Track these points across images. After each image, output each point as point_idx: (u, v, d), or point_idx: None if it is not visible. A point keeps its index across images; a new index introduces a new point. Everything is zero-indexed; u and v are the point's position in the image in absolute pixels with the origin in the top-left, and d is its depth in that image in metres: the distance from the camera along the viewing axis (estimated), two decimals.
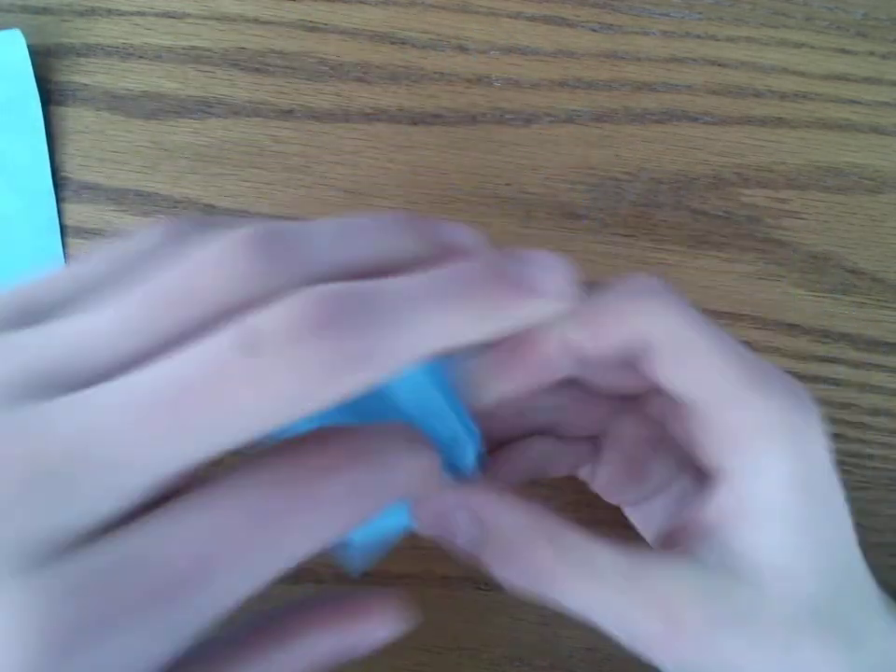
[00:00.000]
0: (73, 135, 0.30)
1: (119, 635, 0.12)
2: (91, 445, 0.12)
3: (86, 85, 0.30)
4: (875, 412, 0.29)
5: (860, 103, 0.29)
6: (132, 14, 0.30)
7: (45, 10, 0.30)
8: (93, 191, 0.30)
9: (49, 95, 0.30)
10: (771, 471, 0.18)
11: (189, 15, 0.30)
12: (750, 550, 0.18)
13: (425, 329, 0.13)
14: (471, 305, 0.14)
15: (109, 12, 0.30)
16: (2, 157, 0.29)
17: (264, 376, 0.12)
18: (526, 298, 0.14)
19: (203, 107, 0.30)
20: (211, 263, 0.13)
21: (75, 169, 0.30)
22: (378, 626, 0.18)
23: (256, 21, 0.30)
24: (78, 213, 0.30)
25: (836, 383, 0.29)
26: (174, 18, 0.30)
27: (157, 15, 0.30)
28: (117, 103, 0.30)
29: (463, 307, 0.14)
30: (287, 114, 0.30)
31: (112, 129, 0.30)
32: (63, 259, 0.29)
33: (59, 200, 0.30)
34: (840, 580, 0.18)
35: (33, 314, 0.14)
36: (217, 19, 0.30)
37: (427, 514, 0.18)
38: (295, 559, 0.13)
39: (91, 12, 0.30)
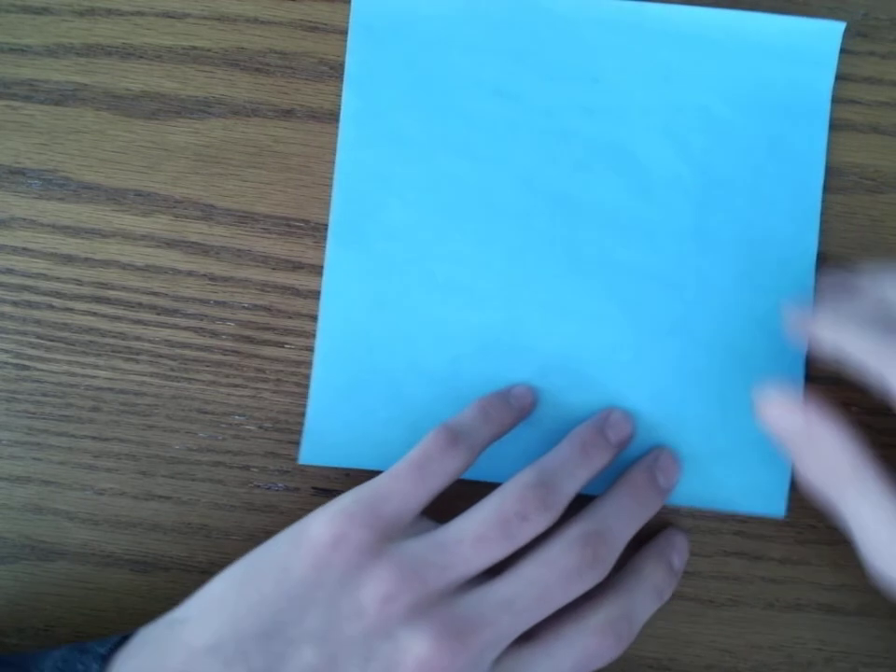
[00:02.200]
0: (73, 135, 0.30)
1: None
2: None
3: (86, 85, 0.30)
4: (875, 411, 0.29)
5: (860, 103, 0.29)
6: (132, 14, 0.30)
7: (45, 10, 0.30)
8: (93, 191, 0.30)
9: (49, 95, 0.30)
10: None
11: (188, 15, 0.30)
12: None
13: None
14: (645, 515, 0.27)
15: (109, 12, 0.30)
16: (779, 140, 0.29)
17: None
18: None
19: (202, 107, 0.30)
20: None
21: (75, 169, 0.30)
22: None
23: (256, 20, 0.30)
24: (78, 213, 0.30)
25: (836, 382, 0.29)
26: (173, 18, 0.30)
27: (157, 15, 0.30)
28: (117, 103, 0.30)
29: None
30: (287, 114, 0.30)
31: (112, 129, 0.30)
32: (814, 253, 0.29)
33: (58, 200, 0.30)
34: None
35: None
36: (217, 19, 0.30)
37: (772, 411, 0.25)
38: None
39: (90, 12, 0.30)
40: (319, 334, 0.29)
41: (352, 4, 0.29)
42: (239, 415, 0.29)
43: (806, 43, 0.29)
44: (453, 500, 0.25)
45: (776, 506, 0.28)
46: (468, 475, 0.26)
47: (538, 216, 0.29)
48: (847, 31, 0.29)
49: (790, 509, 0.29)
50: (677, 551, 0.27)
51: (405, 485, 0.24)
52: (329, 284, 0.29)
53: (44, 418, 0.30)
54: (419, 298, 0.29)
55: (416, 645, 0.21)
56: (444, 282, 0.29)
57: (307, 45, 0.30)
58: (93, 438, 0.30)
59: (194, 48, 0.30)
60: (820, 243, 0.29)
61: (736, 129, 0.29)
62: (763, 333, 0.29)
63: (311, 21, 0.30)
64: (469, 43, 0.29)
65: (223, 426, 0.30)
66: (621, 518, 0.25)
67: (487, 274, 0.29)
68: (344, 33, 0.30)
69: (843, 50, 0.29)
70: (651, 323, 0.29)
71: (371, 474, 0.26)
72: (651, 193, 0.29)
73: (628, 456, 0.28)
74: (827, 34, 0.29)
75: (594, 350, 0.29)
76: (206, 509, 0.30)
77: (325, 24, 0.30)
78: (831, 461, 0.24)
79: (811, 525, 0.29)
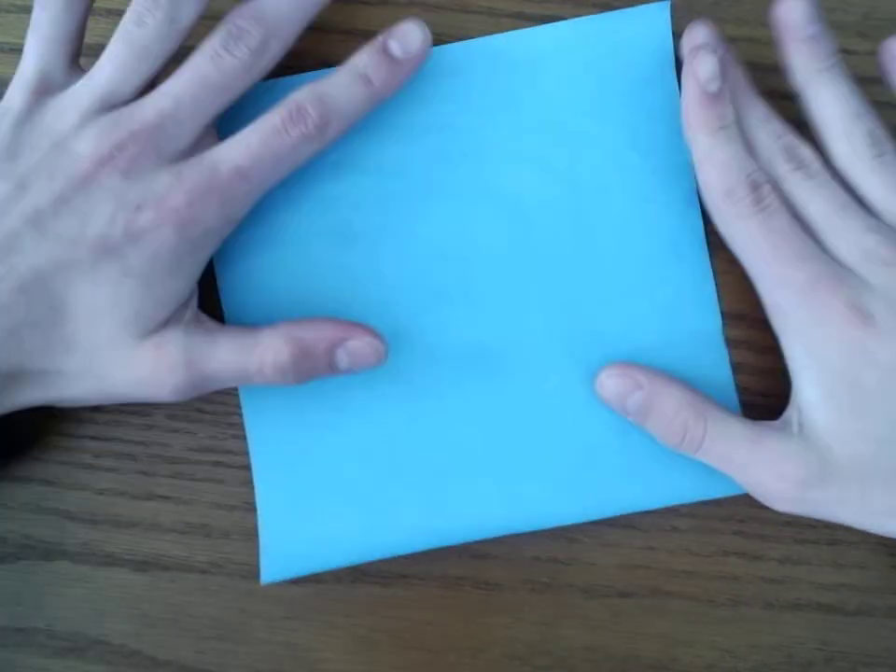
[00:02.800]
0: None
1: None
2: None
3: None
4: None
5: None
6: None
7: None
8: None
9: None
10: (809, 370, 0.25)
11: None
12: (815, 427, 0.25)
13: None
14: None
15: (109, 12, 0.30)
16: (638, 133, 0.29)
17: None
18: None
19: None
20: None
21: None
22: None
23: None
24: None
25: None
26: None
27: None
28: None
29: None
30: None
31: None
32: (701, 230, 0.29)
33: None
34: (888, 445, 0.24)
35: None
36: (218, 19, 0.30)
37: (608, 379, 0.27)
38: None
39: (91, 12, 0.30)
40: (253, 457, 0.29)
41: None
42: (239, 415, 0.29)
43: (638, 32, 0.29)
44: None
45: (732, 484, 0.28)
46: (393, 551, 0.28)
47: (428, 275, 0.29)
48: (846, 31, 0.29)
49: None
50: (395, 36, 0.27)
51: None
52: (251, 419, 0.29)
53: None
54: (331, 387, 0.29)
55: (83, 144, 0.24)
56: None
57: (308, 45, 0.30)
58: (93, 438, 0.30)
59: (194, 48, 0.30)
60: None
61: (594, 135, 0.29)
62: (674, 325, 0.29)
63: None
64: None
65: (223, 425, 0.30)
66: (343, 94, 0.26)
67: (392, 345, 0.28)
68: (348, 33, 0.30)
69: (844, 51, 0.29)
70: (565, 347, 0.29)
71: (339, 574, 0.27)
72: (529, 222, 0.29)
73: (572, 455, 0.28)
74: (655, 17, 0.29)
75: (519, 391, 0.29)
76: (206, 509, 0.30)
77: (326, 24, 0.30)
78: (677, 415, 0.26)
79: (811, 525, 0.29)
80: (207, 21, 0.30)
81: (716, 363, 0.29)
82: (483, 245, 0.29)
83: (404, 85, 0.27)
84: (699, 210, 0.29)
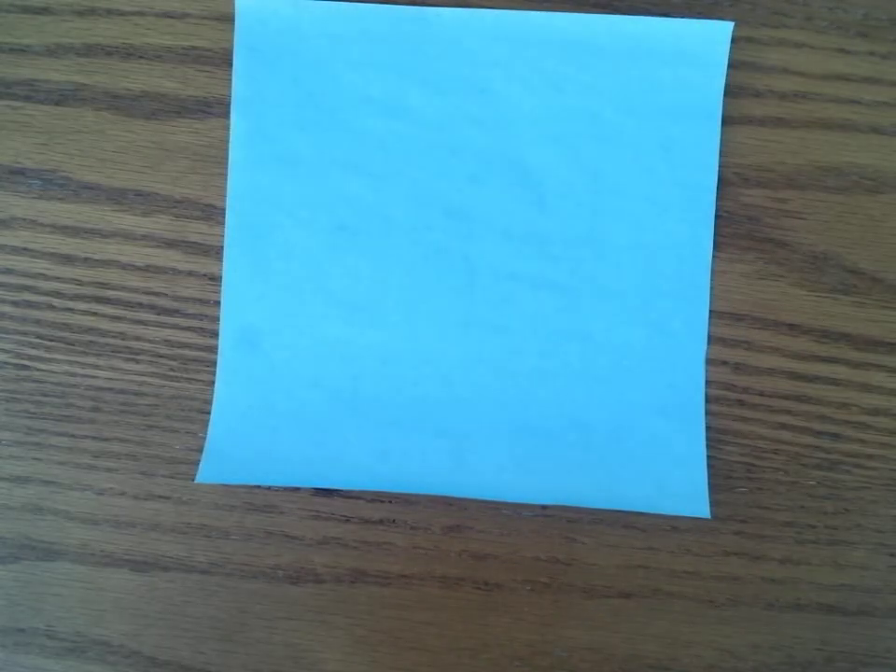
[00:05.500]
0: (73, 135, 0.30)
1: None
2: None
3: (86, 85, 0.30)
4: (875, 412, 0.29)
5: (860, 103, 0.29)
6: (132, 14, 0.30)
7: (45, 10, 0.30)
8: (93, 191, 0.30)
9: (49, 95, 0.30)
10: None
11: (189, 15, 0.30)
12: None
13: None
14: None
15: (109, 12, 0.30)
16: (671, 142, 0.29)
17: None
18: None
19: (202, 107, 0.30)
20: None
21: (75, 169, 0.30)
22: None
23: None
24: (78, 213, 0.30)
25: (836, 383, 0.29)
26: (174, 18, 0.30)
27: (157, 15, 0.30)
28: (117, 103, 0.30)
29: None
30: None
31: (112, 129, 0.30)
32: (709, 254, 0.29)
33: (58, 200, 0.30)
34: None
35: None
36: (217, 19, 0.30)
37: None
38: None
39: (90, 12, 0.30)
40: (220, 354, 0.29)
41: (236, 25, 0.29)
42: None
43: (695, 45, 0.29)
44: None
45: (698, 507, 0.28)
46: (329, 483, 0.28)
47: (432, 230, 0.29)
48: (846, 31, 0.29)
49: (787, 509, 0.29)
50: None
51: None
52: (228, 305, 0.29)
53: (44, 418, 0.30)
54: (318, 316, 0.29)
55: None
56: (343, 299, 0.29)
57: None
58: (93, 438, 0.30)
59: (194, 48, 0.30)
60: (821, 243, 0.29)
61: (627, 134, 0.29)
62: (662, 335, 0.29)
63: None
64: (355, 60, 0.29)
65: None
66: None
67: (385, 290, 0.29)
68: None
69: (844, 51, 0.29)
70: (550, 331, 0.29)
71: (276, 491, 0.26)
72: (543, 202, 0.29)
73: (553, 444, 0.28)
74: (715, 34, 0.28)
75: (496, 360, 0.29)
76: (206, 509, 0.30)
77: None
78: None
79: (811, 525, 0.29)
80: (209, 22, 0.30)
81: (692, 379, 0.29)
82: (491, 213, 0.29)
83: (453, 43, 0.28)
84: (711, 232, 0.29)
